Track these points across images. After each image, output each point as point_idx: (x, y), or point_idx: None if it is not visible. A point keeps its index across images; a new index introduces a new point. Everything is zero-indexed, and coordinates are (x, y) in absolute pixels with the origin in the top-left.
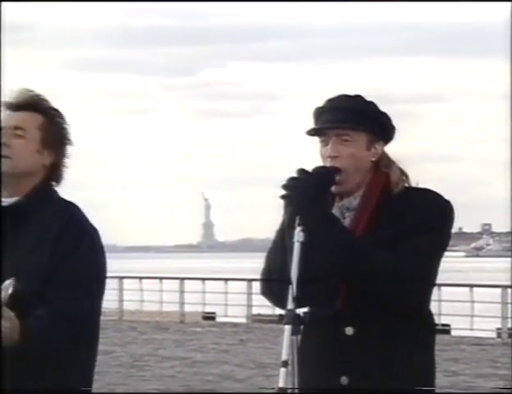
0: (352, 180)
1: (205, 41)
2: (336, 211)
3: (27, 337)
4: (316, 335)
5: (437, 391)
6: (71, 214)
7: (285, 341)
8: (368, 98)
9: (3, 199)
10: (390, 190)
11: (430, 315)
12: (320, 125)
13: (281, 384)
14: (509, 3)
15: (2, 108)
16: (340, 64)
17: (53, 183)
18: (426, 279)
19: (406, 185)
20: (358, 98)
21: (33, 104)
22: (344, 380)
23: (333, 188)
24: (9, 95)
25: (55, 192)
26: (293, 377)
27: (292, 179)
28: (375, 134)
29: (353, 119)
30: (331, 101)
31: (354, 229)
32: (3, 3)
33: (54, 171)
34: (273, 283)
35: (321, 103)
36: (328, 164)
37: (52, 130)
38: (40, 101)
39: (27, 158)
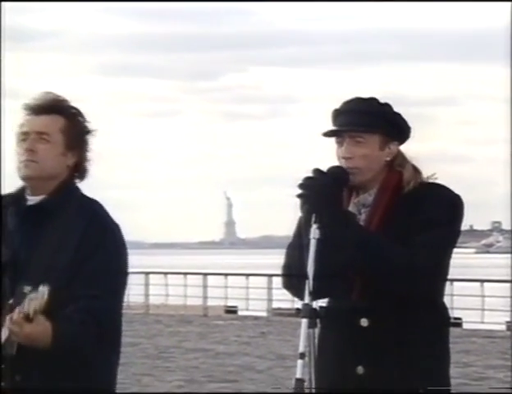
0: (365, 178)
1: (227, 47)
2: (352, 207)
3: (58, 340)
4: (333, 327)
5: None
6: (94, 212)
7: (302, 334)
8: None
9: (29, 198)
10: (402, 187)
11: (444, 308)
12: (335, 128)
13: (298, 375)
14: None
15: (24, 112)
16: (355, 69)
17: (77, 180)
18: (438, 272)
19: (419, 181)
20: (372, 101)
21: (54, 107)
22: (360, 370)
23: (348, 185)
24: (30, 99)
25: (78, 190)
26: (309, 368)
27: (308, 179)
28: (388, 135)
29: (366, 121)
30: (346, 104)
31: (368, 224)
32: (3, 3)
33: (78, 170)
34: (292, 278)
35: (337, 106)
36: (343, 164)
37: (74, 131)
38: (61, 102)
39: (52, 161)
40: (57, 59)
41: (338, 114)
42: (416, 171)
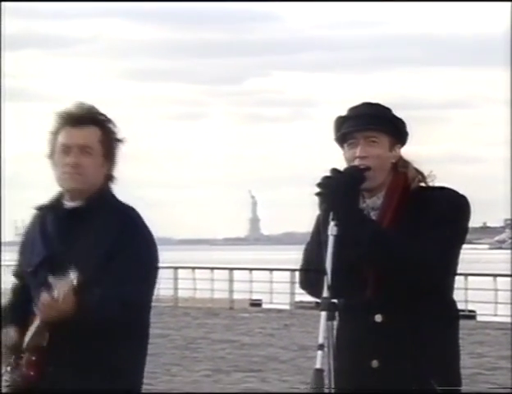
0: (378, 178)
1: (251, 53)
2: None
3: (84, 315)
4: (349, 321)
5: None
6: (127, 214)
7: (322, 326)
8: (391, 105)
9: (67, 203)
10: (408, 187)
11: (453, 302)
12: (350, 129)
13: (317, 365)
14: None
15: (60, 122)
16: (372, 73)
17: (110, 183)
18: (448, 267)
19: (422, 183)
20: (378, 106)
21: (90, 118)
22: (374, 363)
23: (362, 185)
24: (65, 109)
25: (113, 195)
26: (328, 358)
27: (326, 178)
28: (394, 137)
29: (378, 123)
30: (355, 108)
31: None
32: (3, 3)
33: (111, 176)
34: (310, 275)
35: (340, 114)
36: (356, 164)
37: (108, 141)
38: (95, 113)
39: (94, 173)
40: (91, 64)
41: (345, 120)
42: (417, 171)
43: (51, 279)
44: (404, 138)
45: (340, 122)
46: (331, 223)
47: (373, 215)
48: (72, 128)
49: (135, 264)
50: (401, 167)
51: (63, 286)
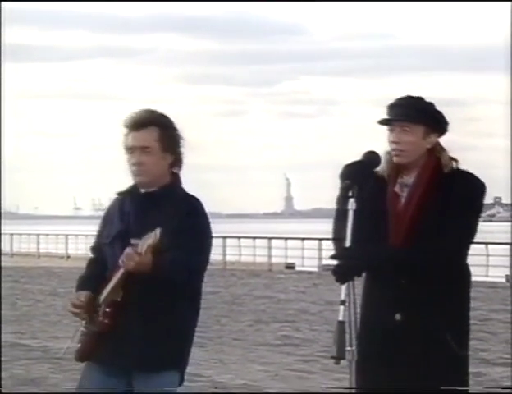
0: (410, 159)
1: (283, 61)
2: (397, 187)
3: (157, 271)
4: (377, 282)
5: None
6: (191, 203)
7: (344, 285)
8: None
9: (141, 190)
10: (440, 170)
11: (467, 268)
12: (388, 118)
13: (340, 318)
14: None
15: (126, 127)
16: (383, 77)
17: (176, 170)
18: (467, 239)
19: (455, 167)
20: (418, 99)
21: (149, 121)
22: (397, 316)
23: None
24: (130, 116)
25: (180, 187)
26: (349, 311)
27: (347, 165)
28: (430, 127)
29: (412, 114)
30: (399, 100)
31: (409, 202)
32: (3, 3)
33: (176, 164)
34: (337, 241)
35: (371, 107)
36: (391, 147)
37: (167, 137)
38: (153, 116)
39: (156, 167)
40: (149, 71)
41: (392, 107)
42: (452, 158)
43: (134, 240)
44: (442, 128)
45: (390, 108)
46: (351, 200)
47: (406, 190)
48: (134, 132)
49: (196, 239)
50: (437, 153)
51: (147, 241)
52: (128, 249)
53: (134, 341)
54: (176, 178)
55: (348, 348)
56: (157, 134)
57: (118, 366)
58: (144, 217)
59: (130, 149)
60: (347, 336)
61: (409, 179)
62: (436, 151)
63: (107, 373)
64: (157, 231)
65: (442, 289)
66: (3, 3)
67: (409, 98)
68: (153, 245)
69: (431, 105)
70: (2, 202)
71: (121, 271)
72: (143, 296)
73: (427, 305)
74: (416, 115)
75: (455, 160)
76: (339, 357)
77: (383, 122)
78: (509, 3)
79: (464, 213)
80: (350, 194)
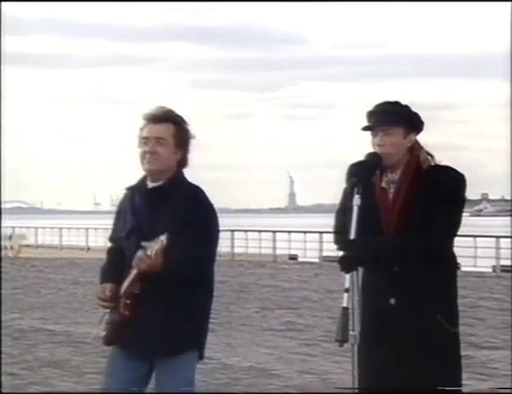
0: (394, 159)
1: (285, 67)
2: (384, 183)
3: (168, 264)
4: (373, 271)
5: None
6: (195, 193)
7: (348, 274)
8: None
9: (149, 184)
10: (421, 166)
11: (454, 256)
12: (370, 124)
13: (344, 304)
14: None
15: (144, 120)
16: (380, 83)
17: (183, 168)
18: (452, 230)
19: (432, 163)
20: (396, 104)
21: (167, 117)
22: (392, 301)
23: (381, 166)
24: (149, 110)
25: (185, 178)
26: (352, 299)
27: (353, 164)
28: (409, 127)
29: (392, 118)
30: (378, 106)
31: (396, 197)
32: (3, 3)
33: (183, 162)
34: (340, 234)
35: (367, 111)
36: (377, 150)
37: (181, 135)
38: (171, 114)
39: (168, 159)
40: (162, 77)
41: (372, 114)
42: (428, 154)
43: (144, 243)
44: (419, 127)
45: (369, 115)
46: (356, 196)
47: (393, 187)
48: (152, 124)
49: (204, 230)
50: (416, 150)
51: (155, 246)
52: (139, 253)
53: (154, 328)
54: (180, 173)
55: (351, 332)
56: (173, 130)
57: (140, 351)
58: (154, 212)
59: (145, 139)
60: (350, 322)
61: (395, 176)
62: (415, 149)
63: (130, 357)
64: (164, 238)
65: (432, 275)
66: (33, 17)
67: (387, 103)
68: (160, 250)
69: (407, 108)
70: (28, 199)
71: (136, 270)
72: (159, 287)
73: (419, 290)
74: (395, 118)
75: (431, 155)
76: (342, 340)
77: (366, 128)
78: (508, 5)
79: (448, 204)
80: (356, 190)
